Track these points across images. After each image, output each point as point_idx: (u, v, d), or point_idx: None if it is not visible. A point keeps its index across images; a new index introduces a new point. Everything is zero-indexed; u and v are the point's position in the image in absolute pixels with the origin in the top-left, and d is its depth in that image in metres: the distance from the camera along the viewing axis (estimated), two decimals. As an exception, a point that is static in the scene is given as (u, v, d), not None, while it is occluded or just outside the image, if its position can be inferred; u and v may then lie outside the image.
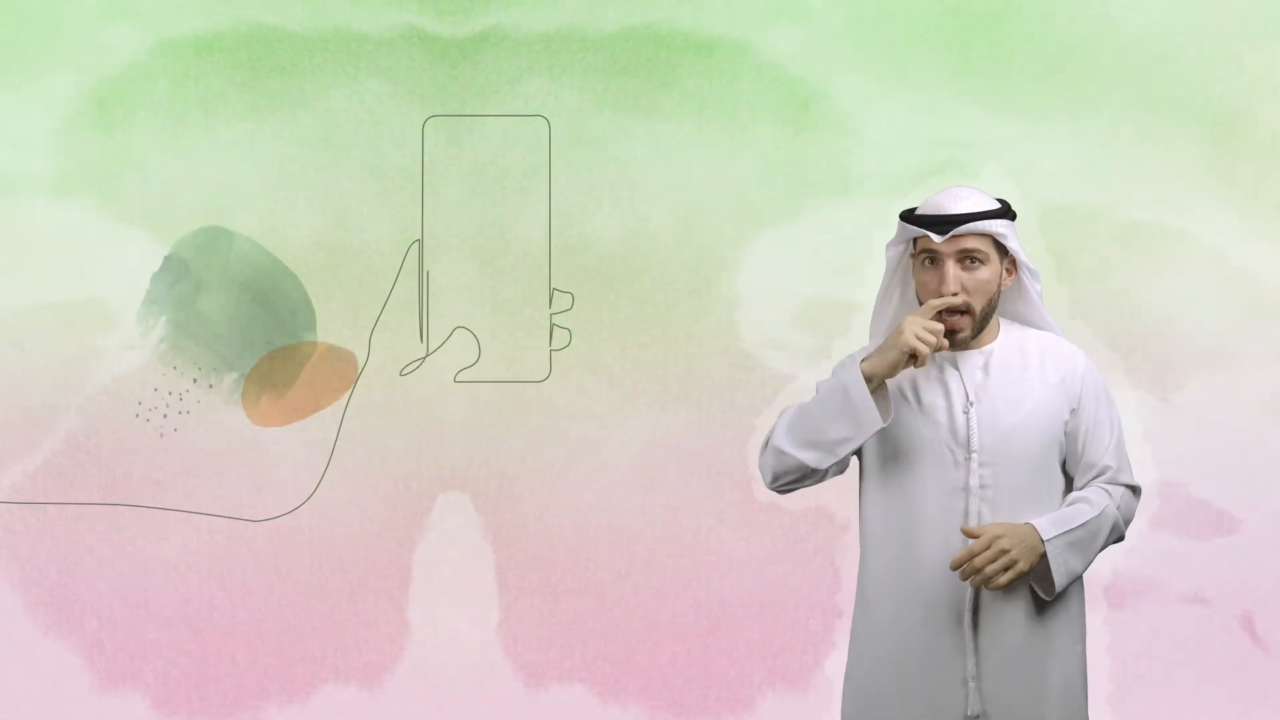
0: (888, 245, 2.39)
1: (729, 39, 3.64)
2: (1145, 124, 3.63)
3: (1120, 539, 2.32)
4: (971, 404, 2.27)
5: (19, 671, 3.59)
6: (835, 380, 2.26)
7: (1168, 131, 3.63)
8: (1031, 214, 3.53)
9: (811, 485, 2.31)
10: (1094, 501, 2.25)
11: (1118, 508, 2.28)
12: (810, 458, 2.24)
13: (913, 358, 2.17)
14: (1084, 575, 2.36)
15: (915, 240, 2.29)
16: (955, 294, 2.23)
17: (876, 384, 2.20)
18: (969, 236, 2.23)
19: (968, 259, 2.24)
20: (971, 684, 2.23)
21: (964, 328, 2.26)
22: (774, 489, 2.32)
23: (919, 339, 2.16)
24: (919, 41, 3.64)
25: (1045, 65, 3.63)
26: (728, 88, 3.64)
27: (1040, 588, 2.23)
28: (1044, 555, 2.18)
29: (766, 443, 2.31)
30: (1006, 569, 2.15)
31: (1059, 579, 2.19)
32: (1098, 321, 3.58)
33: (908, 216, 2.30)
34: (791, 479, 2.29)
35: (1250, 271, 3.64)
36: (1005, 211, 2.28)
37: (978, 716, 2.23)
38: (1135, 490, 2.33)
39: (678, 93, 3.65)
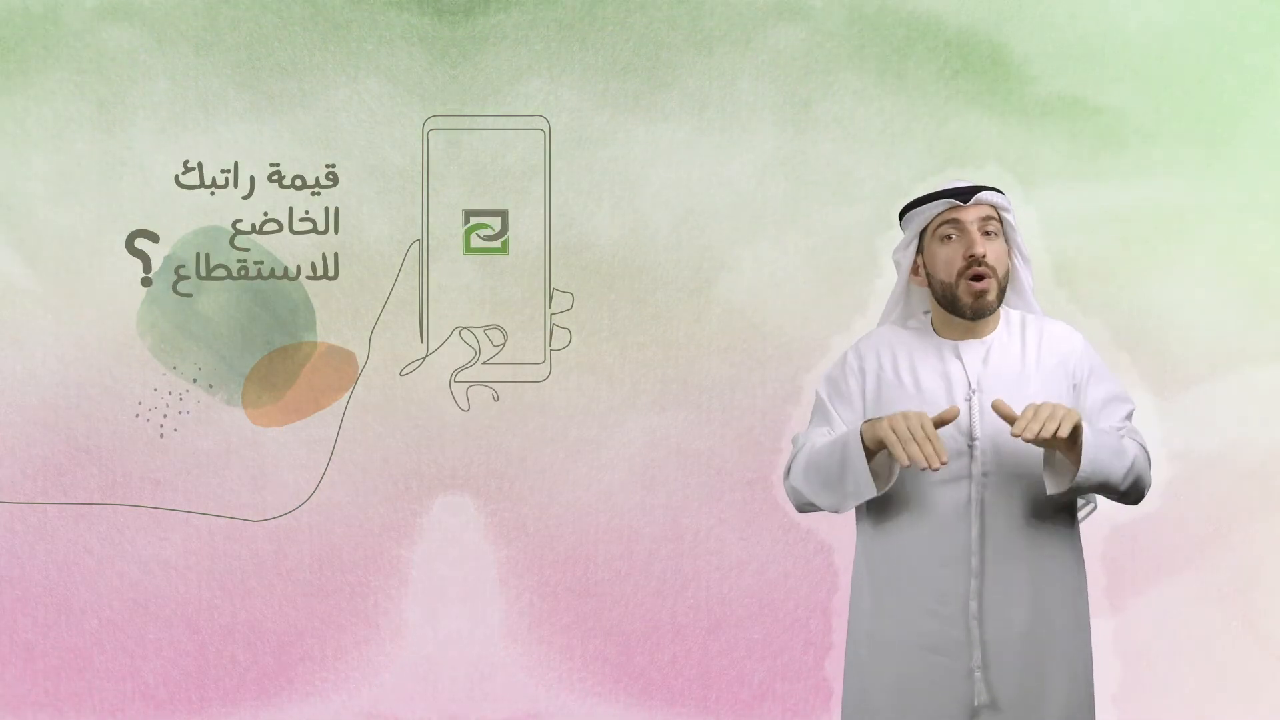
0: (895, 251, 2.42)
1: (729, 39, 3.64)
2: (1145, 124, 3.63)
3: (1141, 491, 2.28)
4: (974, 392, 2.28)
5: (19, 672, 3.59)
6: (839, 443, 2.27)
7: (1168, 131, 3.63)
8: (1031, 214, 3.54)
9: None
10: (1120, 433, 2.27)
11: (1142, 452, 2.28)
12: (824, 502, 2.32)
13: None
14: (1087, 577, 2.37)
15: (929, 224, 2.33)
16: (984, 253, 2.27)
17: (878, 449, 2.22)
18: (987, 206, 2.31)
19: (985, 230, 2.30)
20: (978, 674, 2.23)
21: (991, 290, 2.29)
22: (802, 513, 2.45)
23: (905, 448, 2.12)
24: (919, 41, 3.64)
25: (1045, 65, 3.63)
26: (728, 88, 3.64)
27: (1055, 479, 2.20)
28: (1079, 428, 2.12)
29: (788, 474, 2.40)
30: (1059, 420, 2.08)
31: (1086, 461, 2.13)
32: (1098, 321, 3.58)
33: (922, 199, 2.35)
34: (812, 510, 2.40)
35: (1250, 271, 3.64)
36: (1002, 193, 2.37)
37: (984, 707, 2.23)
38: (1148, 457, 2.32)
39: (678, 93, 3.65)
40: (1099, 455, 2.16)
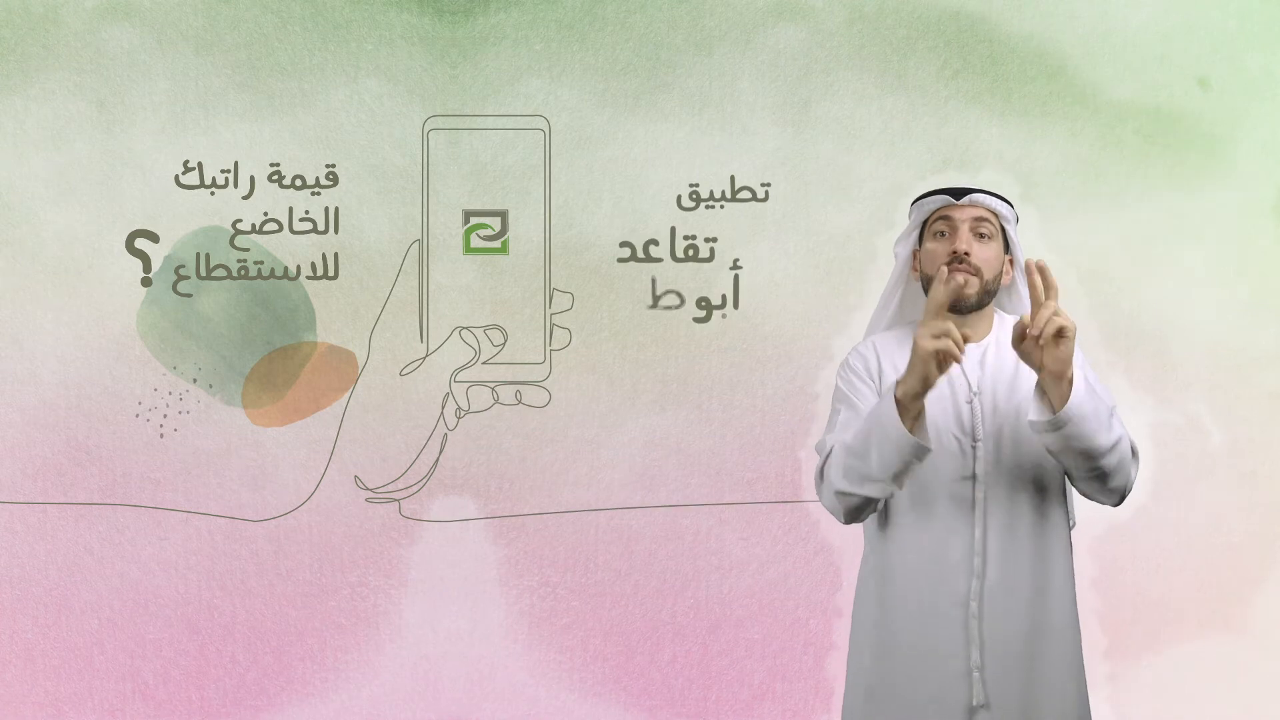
0: (897, 241, 2.48)
1: (729, 39, 3.64)
2: (1144, 124, 3.63)
3: (1125, 477, 2.27)
4: (975, 394, 2.32)
5: (19, 672, 3.59)
6: (872, 414, 2.23)
7: (1167, 131, 3.63)
8: (1031, 214, 3.54)
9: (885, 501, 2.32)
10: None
11: (1128, 442, 2.27)
12: (873, 490, 2.24)
13: (940, 364, 2.13)
14: (1077, 577, 2.38)
15: (927, 221, 2.39)
16: (966, 250, 2.30)
17: (915, 407, 2.17)
18: (982, 208, 2.34)
19: (978, 232, 2.33)
20: (976, 674, 2.24)
21: (973, 286, 2.31)
22: (849, 523, 2.33)
23: (935, 340, 2.12)
24: (919, 41, 3.64)
25: (1045, 65, 3.63)
26: (728, 88, 3.64)
27: (1039, 405, 2.19)
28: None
29: (822, 479, 2.33)
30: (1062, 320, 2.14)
31: (1076, 394, 2.13)
32: (1098, 321, 3.59)
33: (927, 194, 2.40)
34: (863, 511, 2.30)
35: (1250, 271, 3.64)
36: (1011, 205, 2.40)
37: (982, 707, 2.24)
38: (1135, 452, 2.31)
39: (678, 93, 3.65)
40: (1084, 403, 2.15)
